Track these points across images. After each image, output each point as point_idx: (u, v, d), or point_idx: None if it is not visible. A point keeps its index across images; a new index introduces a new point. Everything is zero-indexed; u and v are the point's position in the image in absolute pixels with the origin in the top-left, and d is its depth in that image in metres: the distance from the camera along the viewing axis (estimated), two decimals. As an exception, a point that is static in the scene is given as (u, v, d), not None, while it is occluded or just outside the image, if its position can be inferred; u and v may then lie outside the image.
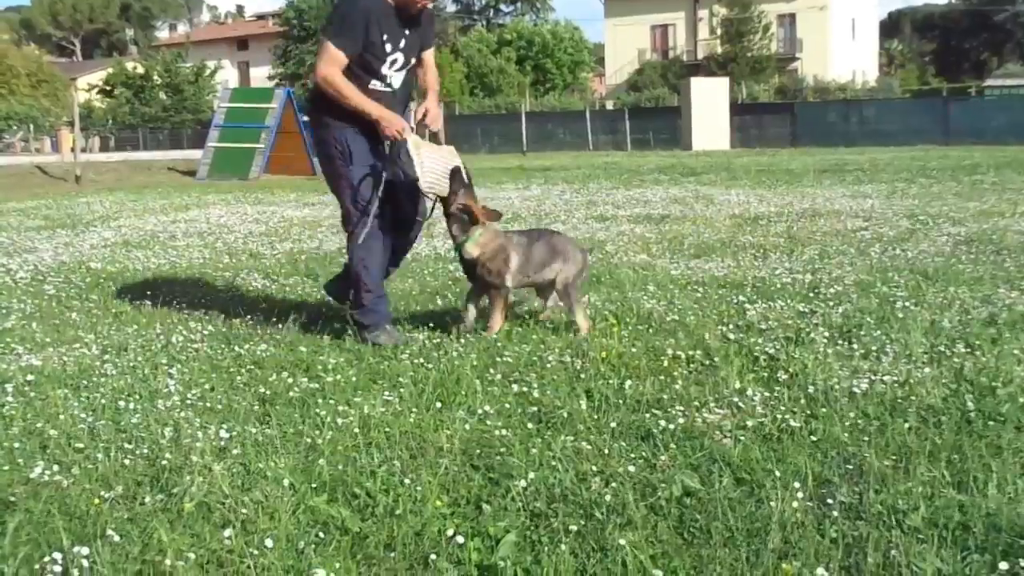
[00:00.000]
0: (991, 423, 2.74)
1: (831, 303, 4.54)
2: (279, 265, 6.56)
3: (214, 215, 10.95)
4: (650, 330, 4.06)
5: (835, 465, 2.48)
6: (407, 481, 2.41)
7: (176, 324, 4.49)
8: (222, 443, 2.75)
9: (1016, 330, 3.85)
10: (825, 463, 2.49)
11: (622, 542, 2.02)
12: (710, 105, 31.06)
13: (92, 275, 6.25)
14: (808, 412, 2.90)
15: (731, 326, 4.08)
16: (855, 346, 3.66)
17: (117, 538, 2.12)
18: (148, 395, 3.28)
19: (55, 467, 2.57)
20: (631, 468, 2.47)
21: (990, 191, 10.97)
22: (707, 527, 2.14)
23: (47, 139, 42.68)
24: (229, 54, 63.94)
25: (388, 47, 3.96)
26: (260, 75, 57.23)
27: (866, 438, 2.65)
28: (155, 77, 47.63)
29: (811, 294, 4.82)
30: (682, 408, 2.95)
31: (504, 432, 2.77)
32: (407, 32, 3.99)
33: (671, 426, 2.78)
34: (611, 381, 3.27)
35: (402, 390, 3.23)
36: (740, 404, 2.99)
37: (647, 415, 2.91)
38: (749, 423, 2.80)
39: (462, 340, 3.89)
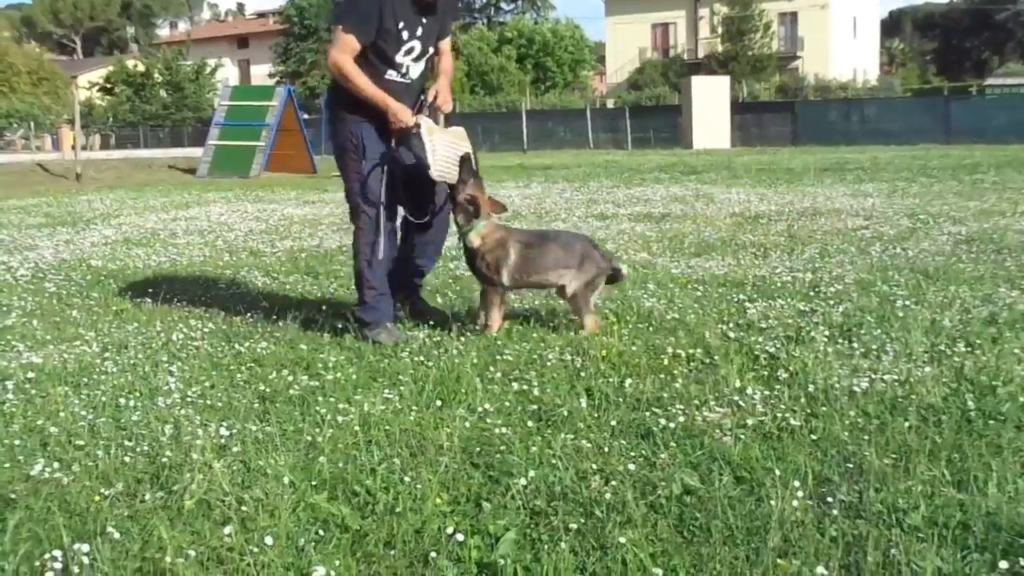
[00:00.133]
0: (991, 422, 2.74)
1: (831, 302, 4.54)
2: (279, 263, 6.56)
3: (214, 213, 10.95)
4: (650, 328, 4.06)
5: (835, 464, 2.48)
6: (407, 479, 2.42)
7: (176, 322, 4.49)
8: (222, 441, 2.75)
9: (1016, 329, 3.85)
10: (825, 462, 2.49)
11: (622, 540, 2.03)
12: (711, 104, 31.05)
13: (93, 273, 6.25)
14: (808, 411, 2.90)
15: (731, 324, 4.07)
16: (855, 345, 3.66)
17: (117, 535, 2.12)
18: (148, 392, 3.28)
19: (55, 464, 2.57)
20: (631, 466, 2.47)
21: (991, 190, 10.97)
22: (707, 525, 2.14)
23: (48, 137, 42.65)
24: (230, 52, 63.96)
25: (405, 34, 3.89)
26: (261, 73, 57.26)
27: (866, 437, 2.65)
28: (156, 75, 47.64)
29: (811, 293, 4.82)
30: (682, 406, 2.95)
31: (504, 430, 2.77)
32: (424, 20, 3.92)
33: (671, 424, 2.78)
34: (611, 379, 3.27)
35: (402, 388, 3.23)
36: (740, 402, 2.99)
37: (647, 413, 2.91)
38: (749, 421, 2.80)
39: (462, 338, 3.89)
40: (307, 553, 2.05)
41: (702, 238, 7.23)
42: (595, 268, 3.96)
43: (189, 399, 3.19)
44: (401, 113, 3.87)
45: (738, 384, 3.17)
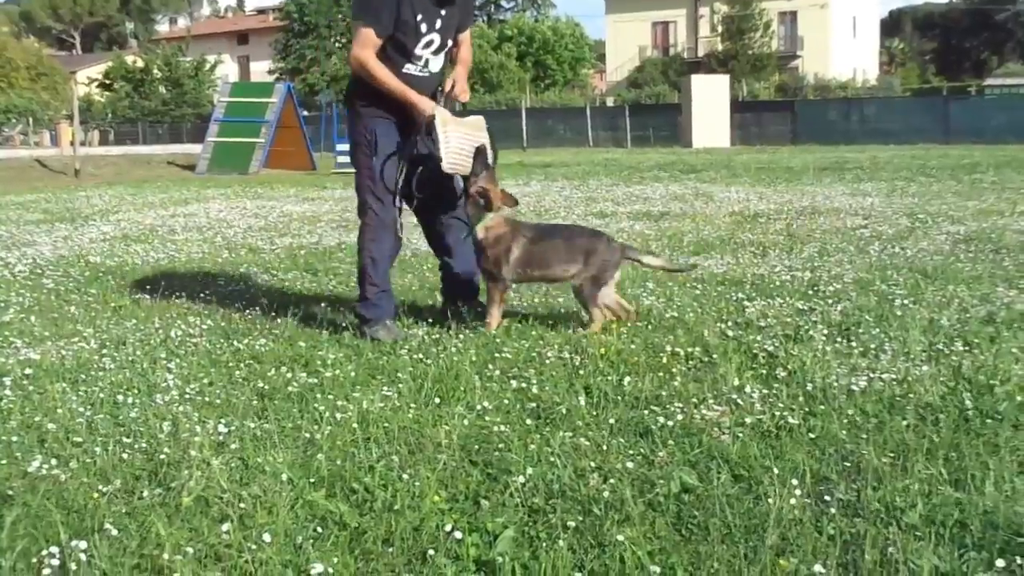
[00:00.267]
0: (989, 421, 2.75)
1: (830, 301, 4.55)
2: (278, 260, 6.56)
3: (213, 209, 10.95)
4: (649, 327, 4.06)
5: (833, 462, 2.48)
6: (405, 476, 2.42)
7: (175, 318, 4.49)
8: (220, 438, 2.75)
9: (1014, 329, 3.85)
10: (823, 460, 2.50)
11: (620, 538, 2.03)
12: (710, 102, 31.04)
13: (91, 269, 6.24)
14: (806, 409, 2.90)
15: (730, 323, 4.08)
16: (854, 344, 3.66)
17: (115, 532, 2.12)
18: (146, 389, 3.28)
19: (53, 461, 2.57)
20: (629, 464, 2.47)
21: (989, 190, 10.97)
22: (705, 523, 2.14)
23: (46, 132, 42.61)
24: (229, 48, 63.89)
25: (423, 27, 3.88)
26: (260, 69, 57.18)
27: (864, 435, 2.65)
28: (155, 71, 47.58)
29: (810, 292, 4.83)
30: (681, 405, 2.95)
31: (503, 428, 2.77)
32: (443, 12, 3.91)
33: (669, 423, 2.78)
34: (610, 377, 3.27)
35: (401, 385, 3.23)
36: (739, 401, 2.99)
37: (646, 411, 2.91)
38: (747, 420, 2.80)
39: (461, 336, 3.89)
40: (305, 550, 2.05)
41: (701, 237, 7.23)
42: (601, 262, 3.92)
43: (187, 396, 3.19)
44: (422, 104, 3.87)
45: (736, 382, 3.17)
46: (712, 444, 2.61)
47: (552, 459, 2.51)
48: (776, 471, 2.38)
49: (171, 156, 23.56)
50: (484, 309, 4.17)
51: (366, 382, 3.31)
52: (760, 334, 3.86)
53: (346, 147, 21.84)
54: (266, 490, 2.34)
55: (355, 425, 2.80)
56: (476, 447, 2.65)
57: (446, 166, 3.89)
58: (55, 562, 1.98)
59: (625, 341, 3.76)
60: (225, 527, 2.12)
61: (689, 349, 3.61)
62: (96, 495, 2.33)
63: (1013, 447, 2.52)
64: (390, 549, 2.06)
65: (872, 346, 3.62)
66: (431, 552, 2.02)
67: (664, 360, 3.48)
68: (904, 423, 2.73)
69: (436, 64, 4.02)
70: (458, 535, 2.06)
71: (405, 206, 4.13)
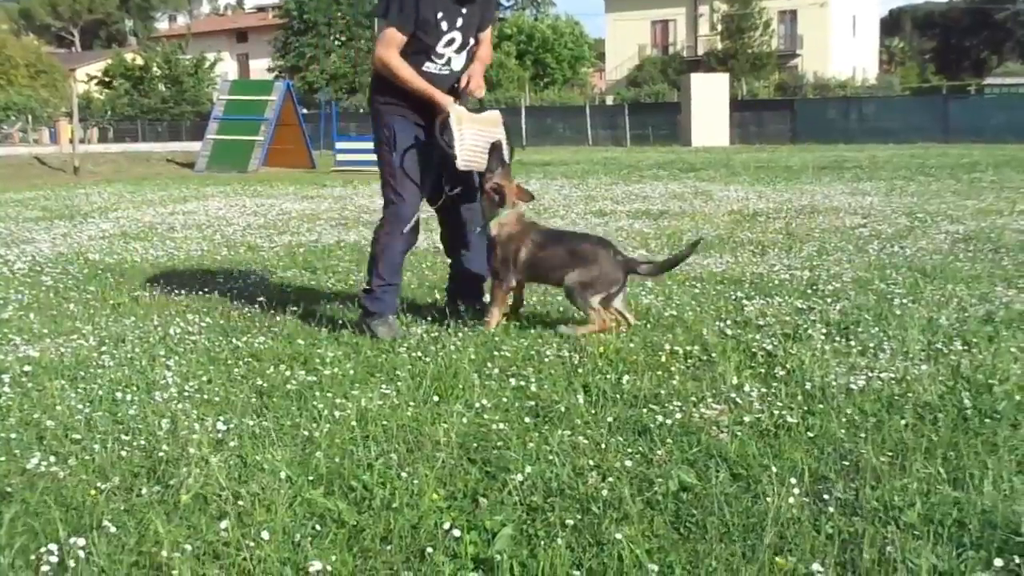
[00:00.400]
0: (987, 420, 2.75)
1: (829, 300, 4.55)
2: (277, 258, 6.56)
3: (212, 207, 10.94)
4: (648, 325, 4.06)
5: (831, 461, 2.48)
6: (404, 474, 2.42)
7: (174, 316, 4.49)
8: (219, 435, 2.75)
9: (1013, 328, 3.85)
10: (821, 459, 2.50)
11: (618, 536, 2.03)
12: (710, 101, 31.04)
13: (90, 266, 6.24)
14: (805, 408, 2.90)
15: (729, 322, 4.08)
16: (852, 343, 3.66)
17: (113, 529, 2.12)
18: (145, 387, 3.28)
19: (52, 458, 2.57)
20: (628, 463, 2.47)
21: (988, 189, 10.97)
22: (703, 522, 2.14)
23: (45, 130, 42.60)
24: (229, 46, 63.80)
25: (444, 25, 3.90)
26: (260, 67, 57.18)
27: (863, 434, 2.65)
28: (154, 69, 47.52)
29: (809, 290, 4.83)
30: (679, 403, 2.95)
31: (501, 426, 2.77)
32: (464, 11, 3.93)
33: (668, 421, 2.78)
34: (609, 376, 3.27)
35: (399, 383, 3.23)
36: (737, 400, 2.99)
37: (644, 410, 2.91)
38: (746, 419, 2.80)
39: (460, 334, 3.89)
40: (303, 548, 2.05)
41: (700, 235, 7.23)
42: (598, 271, 3.85)
43: (186, 393, 3.18)
44: (445, 102, 3.90)
45: (735, 381, 3.17)
46: (710, 443, 2.61)
47: (551, 457, 2.51)
48: (774, 470, 2.38)
49: (170, 154, 23.53)
50: (483, 308, 4.18)
51: (365, 380, 3.31)
52: (759, 333, 3.87)
53: (345, 145, 21.94)
54: (265, 488, 2.34)
55: (354, 423, 2.80)
56: (475, 445, 2.65)
57: (460, 163, 3.91)
58: (54, 559, 1.98)
59: (624, 340, 3.76)
60: (224, 525, 2.12)
61: (688, 348, 3.61)
62: (95, 492, 2.33)
63: (1011, 446, 2.52)
64: (388, 547, 2.06)
65: (871, 345, 3.62)
66: (429, 550, 2.02)
67: (663, 359, 3.48)
68: (903, 422, 2.74)
69: (458, 62, 4.05)
70: (456, 533, 2.06)
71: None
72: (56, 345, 3.94)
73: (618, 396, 3.06)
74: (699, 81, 32.45)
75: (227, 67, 56.73)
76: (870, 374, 3.22)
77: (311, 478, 2.41)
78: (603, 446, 2.61)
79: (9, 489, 2.39)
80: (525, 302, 4.32)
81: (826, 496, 2.25)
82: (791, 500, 2.20)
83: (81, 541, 2.03)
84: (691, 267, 5.72)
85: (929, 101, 35.39)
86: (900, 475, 2.36)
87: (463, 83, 4.05)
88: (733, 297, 4.66)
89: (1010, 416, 2.77)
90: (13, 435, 2.78)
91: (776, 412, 2.84)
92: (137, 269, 6.12)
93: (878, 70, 54.03)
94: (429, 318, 4.21)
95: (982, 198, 9.78)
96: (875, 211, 8.77)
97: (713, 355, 3.49)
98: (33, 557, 2.01)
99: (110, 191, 14.09)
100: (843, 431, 2.69)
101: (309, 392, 3.16)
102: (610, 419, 2.83)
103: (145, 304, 4.84)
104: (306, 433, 2.76)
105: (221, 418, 2.89)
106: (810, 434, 2.67)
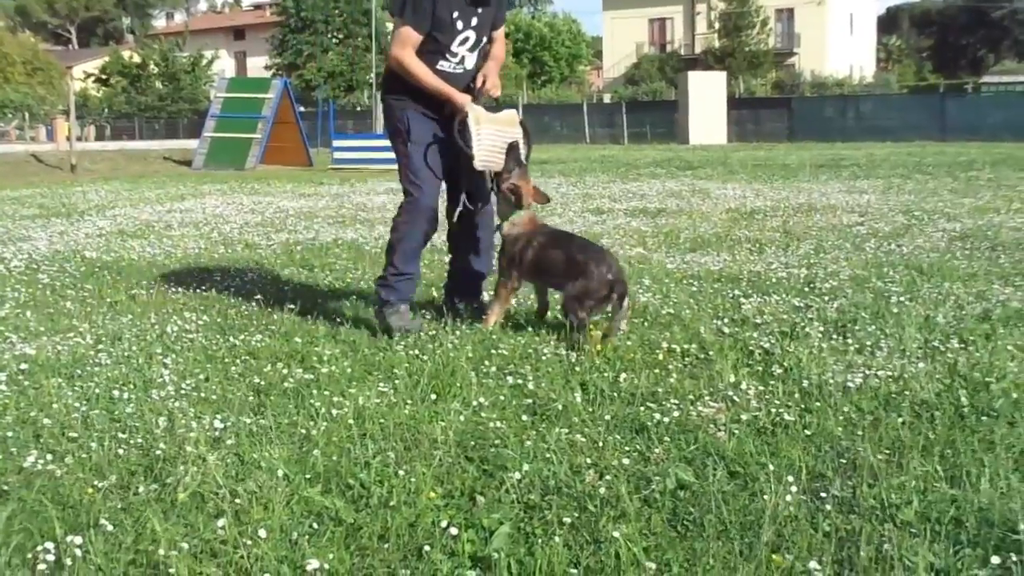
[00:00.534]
0: (984, 418, 2.75)
1: (826, 298, 4.55)
2: (274, 256, 6.55)
3: (210, 205, 10.93)
4: (645, 323, 4.06)
5: (829, 459, 2.48)
6: (401, 472, 2.41)
7: (171, 314, 4.48)
8: (216, 433, 2.74)
9: (1010, 326, 3.86)
10: (819, 457, 2.50)
11: (616, 534, 2.03)
12: (707, 99, 31.07)
13: (87, 264, 6.23)
14: (802, 406, 2.90)
15: (726, 320, 4.08)
16: (850, 341, 3.67)
17: (110, 528, 2.12)
18: (142, 385, 3.27)
19: (48, 456, 2.57)
20: (625, 461, 2.47)
21: (985, 187, 10.99)
22: (700, 520, 2.14)
23: (42, 127, 42.50)
24: (226, 44, 63.74)
25: (459, 24, 3.91)
26: (257, 65, 57.09)
27: (860, 432, 2.65)
28: (151, 66, 47.49)
29: (806, 289, 4.83)
30: (676, 401, 2.95)
31: (499, 424, 2.77)
32: (479, 10, 3.94)
33: (665, 419, 2.78)
34: (606, 374, 3.27)
35: (397, 382, 3.23)
36: (735, 398, 2.99)
37: (642, 408, 2.91)
38: (743, 417, 2.80)
39: (457, 332, 3.88)
40: (301, 546, 2.05)
41: (698, 233, 7.24)
42: (586, 283, 3.70)
43: (183, 391, 3.18)
44: (460, 100, 3.90)
45: (732, 379, 3.17)
46: (708, 441, 2.61)
47: (548, 455, 2.51)
48: (772, 468, 2.38)
49: (167, 151, 23.50)
50: (480, 307, 4.17)
51: (362, 378, 3.31)
52: (756, 331, 3.87)
53: (342, 143, 21.89)
54: (262, 486, 2.34)
55: (351, 421, 2.80)
56: (472, 443, 2.65)
57: (478, 164, 3.91)
58: (50, 557, 1.98)
59: (621, 338, 3.76)
60: (221, 523, 2.12)
61: (685, 346, 3.61)
62: (91, 490, 2.33)
63: (1008, 444, 2.52)
64: (386, 545, 2.06)
65: (868, 343, 3.62)
66: (427, 548, 2.02)
67: (660, 357, 3.48)
68: (900, 420, 2.74)
69: (471, 61, 4.05)
70: (454, 531, 2.06)
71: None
72: (53, 343, 3.93)
73: (615, 394, 3.06)
74: (696, 79, 32.47)
75: (224, 65, 56.70)
76: (867, 372, 3.22)
77: (308, 476, 2.41)
78: (600, 444, 2.61)
79: (6, 487, 2.39)
80: (523, 301, 4.32)
81: (823, 494, 2.25)
82: (788, 498, 2.20)
83: (78, 539, 2.03)
84: (689, 265, 5.73)
85: (926, 99, 35.40)
86: (897, 473, 2.36)
87: (479, 82, 4.05)
88: (730, 295, 4.66)
89: (1007, 414, 2.77)
90: (10, 433, 2.78)
91: (773, 410, 2.85)
92: (134, 267, 6.11)
93: (875, 68, 54.06)
94: (427, 316, 4.21)
95: (979, 196, 9.79)
96: (872, 209, 8.77)
97: (710, 353, 3.50)
98: (30, 555, 2.01)
99: (107, 189, 14.07)
100: (840, 429, 2.69)
101: (306, 390, 3.16)
102: (607, 417, 2.84)
103: (142, 302, 4.84)
104: (303, 431, 2.76)
105: (218, 416, 2.88)
106: (807, 432, 2.67)
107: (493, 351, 3.59)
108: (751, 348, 3.59)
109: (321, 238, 7.55)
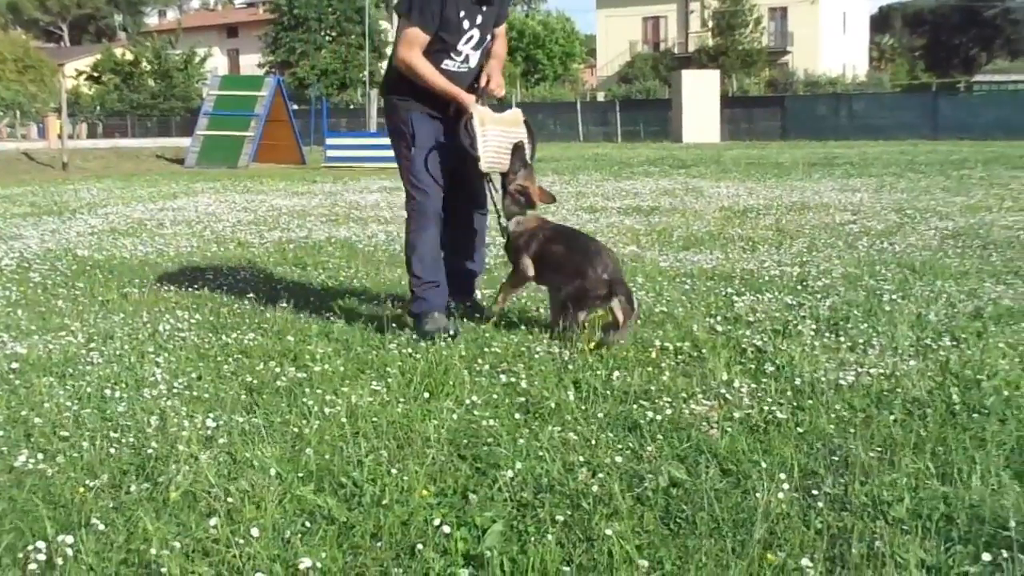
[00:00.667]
0: (975, 416, 2.76)
1: (819, 296, 4.56)
2: (267, 254, 6.54)
3: (202, 203, 10.90)
4: (638, 321, 4.06)
5: (821, 456, 2.49)
6: (394, 471, 2.41)
7: (163, 312, 4.47)
8: (208, 432, 2.74)
9: (1001, 324, 3.87)
10: (811, 454, 2.51)
11: (608, 532, 2.03)
12: (701, 97, 31.13)
13: (78, 262, 6.21)
14: (794, 404, 2.91)
15: (719, 318, 4.08)
16: (842, 339, 3.67)
17: (102, 527, 2.11)
18: (134, 383, 3.26)
19: (39, 455, 2.56)
20: (618, 459, 2.47)
21: (977, 186, 11.02)
22: (693, 517, 2.14)
23: (34, 125, 42.34)
24: (219, 41, 63.59)
25: (465, 24, 3.89)
26: (250, 63, 56.94)
27: (852, 430, 2.66)
28: (144, 64, 47.34)
29: (799, 287, 4.84)
30: (669, 399, 2.96)
31: (491, 422, 2.77)
32: (484, 8, 3.93)
33: (658, 417, 2.79)
34: (599, 372, 3.27)
35: (390, 380, 3.22)
36: (727, 396, 3.00)
37: (634, 406, 2.91)
38: (736, 414, 2.81)
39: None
40: (293, 545, 2.04)
41: (691, 232, 7.25)
42: (580, 284, 3.67)
43: (175, 390, 3.17)
44: (466, 101, 3.89)
45: (725, 377, 3.18)
46: (700, 439, 2.62)
47: (541, 454, 2.51)
48: (764, 465, 2.38)
49: (160, 149, 23.43)
50: (473, 305, 4.18)
51: (355, 377, 3.30)
52: (749, 329, 3.87)
53: (335, 141, 21.86)
54: (254, 485, 2.33)
55: (344, 420, 2.79)
56: (465, 442, 2.65)
57: (484, 165, 3.88)
58: (41, 557, 1.97)
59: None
60: (213, 522, 2.12)
61: (678, 344, 3.61)
62: (83, 490, 2.32)
63: (999, 441, 2.53)
64: (378, 543, 2.06)
65: (860, 341, 3.63)
66: (419, 546, 2.02)
67: (653, 355, 3.48)
68: (891, 418, 2.75)
69: (475, 59, 4.04)
70: (446, 529, 2.06)
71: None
72: (44, 342, 3.92)
73: (608, 392, 3.06)
74: (690, 78, 32.52)
75: (217, 62, 56.54)
76: (859, 370, 3.23)
77: (301, 475, 2.40)
78: (593, 442, 2.61)
79: (-4, 486, 2.38)
80: (518, 300, 4.31)
81: (815, 491, 2.25)
82: (780, 495, 2.20)
83: (69, 539, 2.02)
84: (682, 263, 5.73)
85: (919, 98, 35.55)
86: (889, 470, 2.37)
87: (483, 82, 4.04)
88: (723, 293, 4.67)
89: (998, 411, 2.78)
90: (0, 432, 2.77)
91: (766, 408, 2.85)
92: (126, 265, 6.09)
93: (868, 67, 54.20)
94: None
95: (971, 194, 9.82)
96: (865, 207, 8.80)
97: (703, 351, 3.50)
98: (21, 555, 2.00)
99: (99, 187, 14.02)
100: (832, 427, 2.70)
101: (299, 389, 3.15)
102: (600, 415, 2.84)
103: (134, 300, 4.82)
104: (296, 430, 2.76)
105: (211, 415, 2.88)
106: (799, 430, 2.68)
107: (486, 349, 3.59)
108: (744, 346, 3.59)
109: (314, 236, 7.53)
